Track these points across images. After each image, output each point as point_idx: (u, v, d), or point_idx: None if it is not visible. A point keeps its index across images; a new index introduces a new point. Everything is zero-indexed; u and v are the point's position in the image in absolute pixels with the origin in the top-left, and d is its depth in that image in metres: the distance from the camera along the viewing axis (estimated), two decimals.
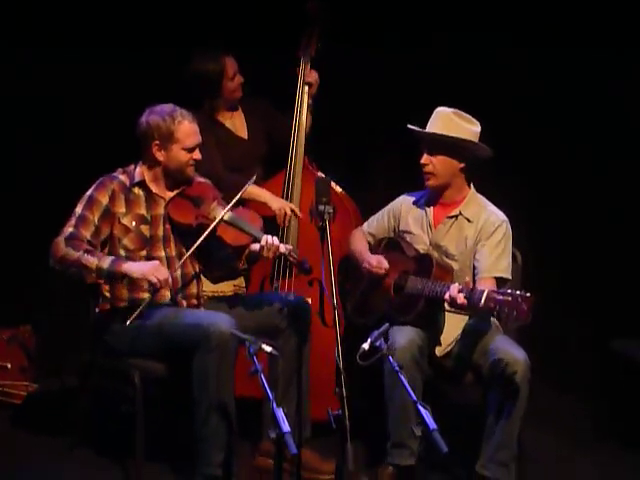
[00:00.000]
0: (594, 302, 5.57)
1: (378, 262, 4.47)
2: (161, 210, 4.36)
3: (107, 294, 4.30)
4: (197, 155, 4.33)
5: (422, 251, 4.47)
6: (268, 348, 3.78)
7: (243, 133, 5.00)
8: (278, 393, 4.26)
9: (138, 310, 4.20)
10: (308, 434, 4.42)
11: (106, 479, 4.40)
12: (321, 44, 4.93)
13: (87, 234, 4.25)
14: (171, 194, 4.39)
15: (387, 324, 3.79)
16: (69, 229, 4.25)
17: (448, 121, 4.39)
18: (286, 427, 3.45)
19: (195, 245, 4.25)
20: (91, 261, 4.17)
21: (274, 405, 3.52)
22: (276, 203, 4.84)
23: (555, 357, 5.45)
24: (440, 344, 4.44)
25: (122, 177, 4.36)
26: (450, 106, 4.44)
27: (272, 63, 5.15)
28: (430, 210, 4.53)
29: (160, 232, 4.36)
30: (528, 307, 3.92)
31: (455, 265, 4.42)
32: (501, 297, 3.97)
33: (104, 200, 4.29)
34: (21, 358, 5.22)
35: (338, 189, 4.89)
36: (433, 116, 4.44)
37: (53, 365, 5.27)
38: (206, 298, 4.48)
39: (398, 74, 5.50)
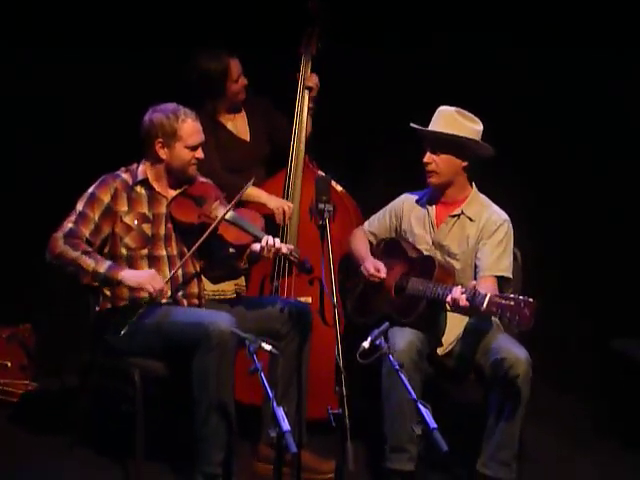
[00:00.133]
0: (594, 302, 5.57)
1: (375, 268, 4.45)
2: (163, 209, 4.36)
3: (107, 293, 4.28)
4: (200, 154, 4.32)
5: (424, 251, 4.46)
6: (268, 346, 3.78)
7: (245, 135, 5.00)
8: (278, 393, 4.25)
9: (132, 319, 4.20)
10: (305, 438, 4.36)
11: (106, 479, 4.39)
12: (322, 44, 4.93)
13: (86, 232, 4.24)
14: (173, 193, 4.38)
15: (387, 323, 3.79)
16: (68, 225, 4.23)
17: (451, 120, 4.38)
18: (286, 426, 3.44)
19: (197, 244, 4.25)
20: (88, 263, 4.16)
21: (274, 404, 3.51)
22: (274, 202, 4.84)
23: (555, 357, 5.45)
24: (441, 344, 4.43)
25: (125, 175, 4.35)
26: (450, 106, 4.43)
27: (273, 63, 5.14)
28: (432, 209, 4.52)
29: (162, 231, 4.35)
30: (530, 312, 3.88)
31: (457, 264, 4.42)
32: (504, 302, 3.95)
33: (106, 198, 4.28)
34: (21, 357, 5.22)
35: (338, 188, 4.88)
36: (436, 115, 4.43)
37: (53, 364, 5.26)
38: (207, 299, 4.48)
39: (398, 74, 5.51)
